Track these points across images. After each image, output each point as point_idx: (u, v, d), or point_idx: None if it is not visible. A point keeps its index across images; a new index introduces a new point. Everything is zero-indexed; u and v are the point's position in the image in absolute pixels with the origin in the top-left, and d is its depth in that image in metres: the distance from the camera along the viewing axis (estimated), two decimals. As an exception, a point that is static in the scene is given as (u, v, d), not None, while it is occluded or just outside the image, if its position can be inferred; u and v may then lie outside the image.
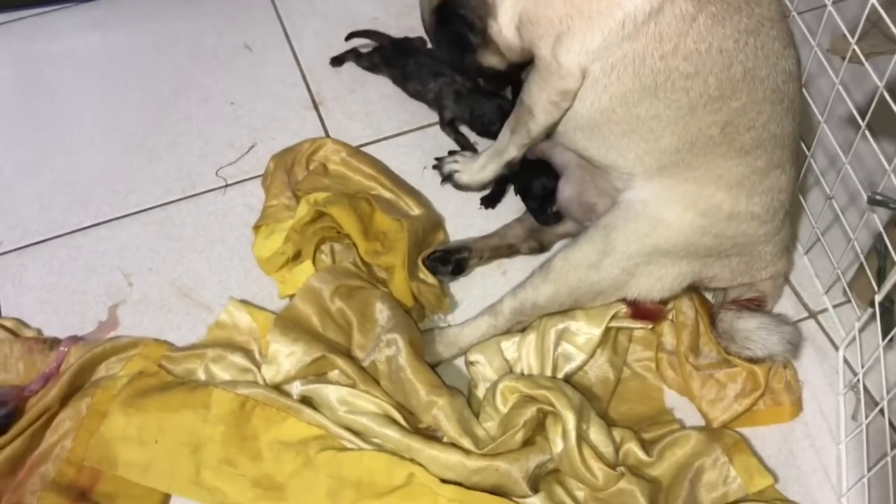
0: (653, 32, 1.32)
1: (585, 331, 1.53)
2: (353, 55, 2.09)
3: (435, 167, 1.88)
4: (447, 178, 1.84)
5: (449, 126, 1.93)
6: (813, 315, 1.66)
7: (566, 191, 1.67)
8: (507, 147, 1.66)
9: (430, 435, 1.45)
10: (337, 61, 2.10)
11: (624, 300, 1.54)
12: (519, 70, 1.61)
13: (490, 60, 1.59)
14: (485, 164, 1.76)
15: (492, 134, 1.79)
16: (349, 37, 2.11)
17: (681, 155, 1.40)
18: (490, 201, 1.82)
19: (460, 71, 1.79)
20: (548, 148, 1.69)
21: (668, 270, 1.48)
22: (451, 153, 1.88)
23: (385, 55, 2.04)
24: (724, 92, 1.34)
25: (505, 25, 1.49)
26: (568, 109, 1.46)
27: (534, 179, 1.69)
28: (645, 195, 1.45)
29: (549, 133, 1.56)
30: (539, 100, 1.48)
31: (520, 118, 1.57)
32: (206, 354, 1.55)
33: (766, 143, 1.40)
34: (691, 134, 1.38)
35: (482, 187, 1.82)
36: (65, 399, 1.50)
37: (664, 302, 1.57)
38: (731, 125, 1.37)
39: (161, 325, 1.65)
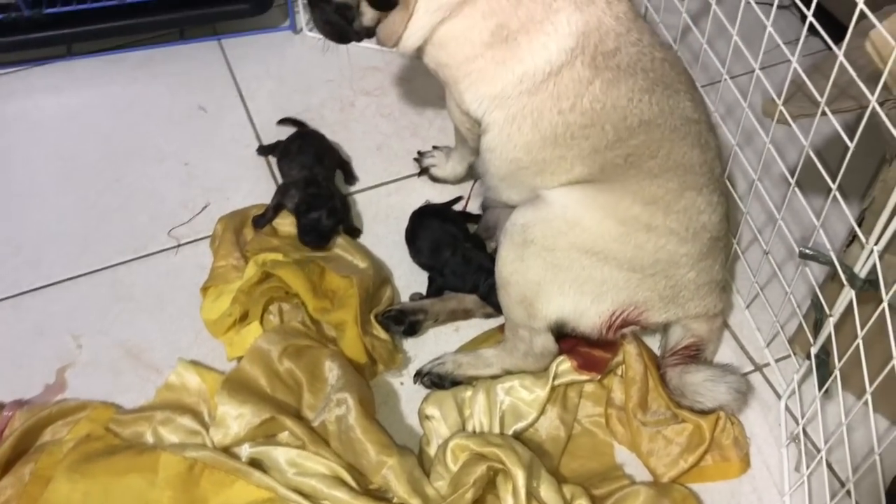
0: (551, 91, 1.44)
1: (531, 389, 1.55)
2: (268, 149, 2.06)
3: (416, 159, 2.05)
4: (424, 171, 2.02)
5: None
6: (758, 368, 1.69)
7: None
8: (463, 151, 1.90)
9: (381, 496, 1.44)
10: (263, 151, 2.07)
11: (568, 355, 1.57)
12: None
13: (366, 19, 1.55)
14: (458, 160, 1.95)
15: (319, 234, 1.76)
16: (280, 122, 2.12)
17: (594, 177, 1.49)
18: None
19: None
20: (483, 228, 1.80)
21: (591, 273, 1.48)
22: (435, 148, 2.04)
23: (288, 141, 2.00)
24: (622, 136, 1.45)
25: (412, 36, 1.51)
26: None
27: (480, 280, 1.72)
28: (564, 200, 1.48)
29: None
30: (453, 114, 1.63)
31: (456, 136, 1.84)
32: (155, 417, 1.53)
33: (675, 169, 1.47)
34: (598, 165, 1.48)
35: (456, 180, 2.00)
36: (7, 465, 1.47)
37: (608, 347, 1.60)
38: (633, 155, 1.46)
39: (110, 388, 1.63)
